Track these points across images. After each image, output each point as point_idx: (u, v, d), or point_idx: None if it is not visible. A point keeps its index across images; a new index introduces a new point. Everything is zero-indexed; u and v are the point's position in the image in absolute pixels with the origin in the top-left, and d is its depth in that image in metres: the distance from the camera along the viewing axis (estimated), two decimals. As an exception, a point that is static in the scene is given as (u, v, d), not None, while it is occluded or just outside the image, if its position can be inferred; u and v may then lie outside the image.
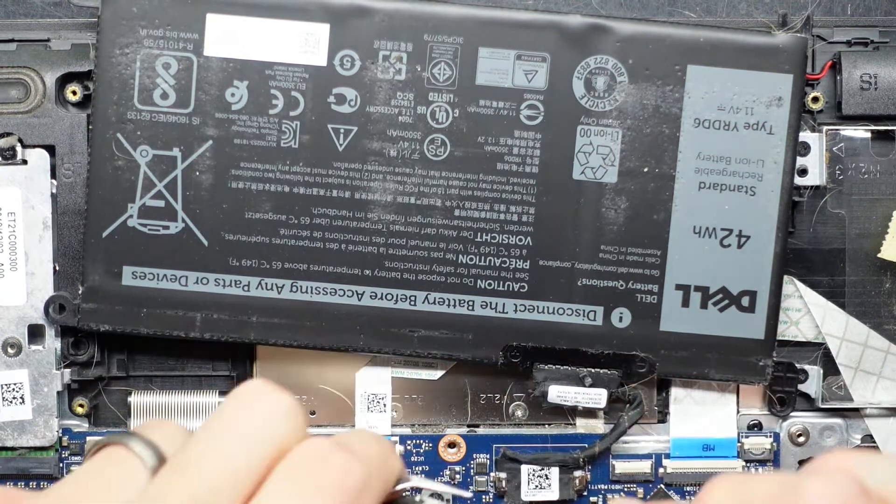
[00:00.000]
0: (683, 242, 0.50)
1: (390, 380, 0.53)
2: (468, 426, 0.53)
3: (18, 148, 0.51)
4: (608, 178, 0.50)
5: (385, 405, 0.53)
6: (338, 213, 0.50)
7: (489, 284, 0.50)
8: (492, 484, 0.53)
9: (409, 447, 0.53)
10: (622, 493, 0.53)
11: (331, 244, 0.50)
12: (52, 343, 0.51)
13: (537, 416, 0.53)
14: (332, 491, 0.30)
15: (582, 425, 0.53)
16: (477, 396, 0.53)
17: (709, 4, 0.55)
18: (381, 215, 0.50)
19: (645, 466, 0.53)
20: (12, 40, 0.51)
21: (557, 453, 0.52)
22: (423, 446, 0.53)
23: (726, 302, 0.50)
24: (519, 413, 0.53)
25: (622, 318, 0.51)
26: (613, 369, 0.51)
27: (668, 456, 0.53)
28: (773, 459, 0.53)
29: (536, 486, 0.52)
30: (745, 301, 0.50)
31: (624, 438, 0.52)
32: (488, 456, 0.53)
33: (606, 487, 0.53)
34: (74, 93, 0.51)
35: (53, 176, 0.51)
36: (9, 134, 0.51)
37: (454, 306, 0.50)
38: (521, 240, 0.50)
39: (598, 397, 0.51)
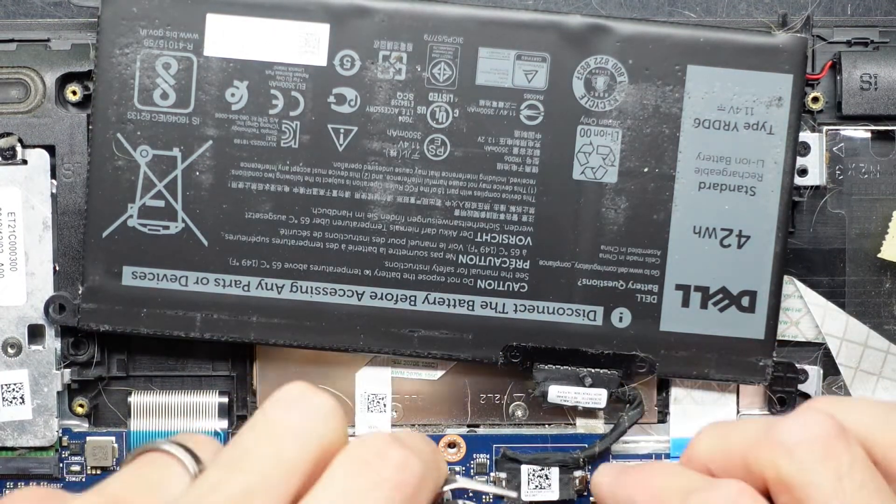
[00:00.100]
0: (683, 242, 0.50)
1: (390, 380, 0.53)
2: (468, 426, 0.53)
3: (18, 148, 0.51)
4: (608, 178, 0.50)
5: (385, 405, 0.53)
6: (338, 213, 0.50)
7: (489, 284, 0.50)
8: (491, 483, 0.53)
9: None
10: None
11: (331, 244, 0.50)
12: (52, 343, 0.51)
13: (537, 416, 0.53)
14: (391, 485, 0.30)
15: (582, 425, 0.53)
16: (477, 396, 0.53)
17: (709, 4, 0.55)
18: (381, 215, 0.50)
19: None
20: (12, 40, 0.51)
21: (557, 453, 0.52)
22: (423, 446, 0.53)
23: (726, 302, 0.50)
24: (519, 413, 0.53)
25: (622, 318, 0.51)
26: (613, 369, 0.51)
27: (668, 456, 0.53)
28: (773, 459, 0.53)
29: (536, 486, 0.52)
30: (745, 301, 0.50)
31: (624, 438, 0.52)
32: (488, 456, 0.53)
33: (606, 487, 0.53)
34: (74, 93, 0.51)
35: (53, 176, 0.51)
36: (9, 134, 0.51)
37: (454, 306, 0.50)
38: (521, 240, 0.50)
39: (598, 397, 0.51)
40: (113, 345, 0.52)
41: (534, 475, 0.52)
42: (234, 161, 0.50)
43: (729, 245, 0.50)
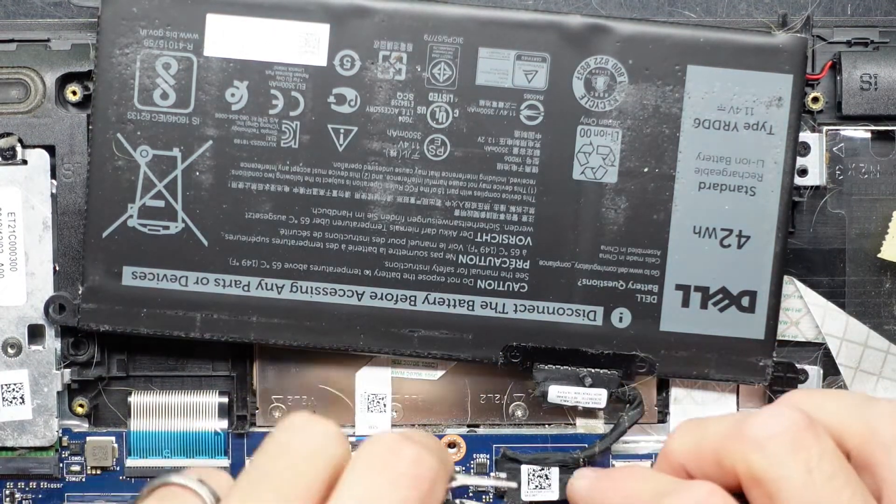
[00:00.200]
0: (683, 242, 0.50)
1: (390, 380, 0.53)
2: (468, 426, 0.53)
3: (18, 148, 0.51)
4: (608, 178, 0.50)
5: (385, 405, 0.53)
6: (338, 213, 0.50)
7: (489, 284, 0.50)
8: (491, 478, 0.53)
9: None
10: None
11: (331, 244, 0.50)
12: (52, 343, 0.51)
13: (537, 416, 0.53)
14: (409, 480, 0.31)
15: (582, 425, 0.53)
16: (477, 396, 0.53)
17: (709, 4, 0.55)
18: (381, 215, 0.50)
19: (645, 466, 0.53)
20: (12, 40, 0.51)
21: (557, 453, 0.52)
22: (423, 446, 0.53)
23: (726, 302, 0.50)
24: (519, 413, 0.53)
25: (622, 318, 0.51)
26: (613, 369, 0.51)
27: (668, 456, 0.53)
28: (773, 459, 0.53)
29: (536, 486, 0.52)
30: (745, 301, 0.50)
31: (624, 438, 0.52)
32: (488, 456, 0.53)
33: (606, 487, 0.53)
34: (74, 93, 0.51)
35: (53, 176, 0.51)
36: (9, 134, 0.51)
37: (454, 306, 0.50)
38: (521, 240, 0.50)
39: (598, 397, 0.51)
40: (113, 345, 0.52)
41: (534, 475, 0.52)
42: (234, 161, 0.50)
43: (729, 245, 0.50)
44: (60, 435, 0.52)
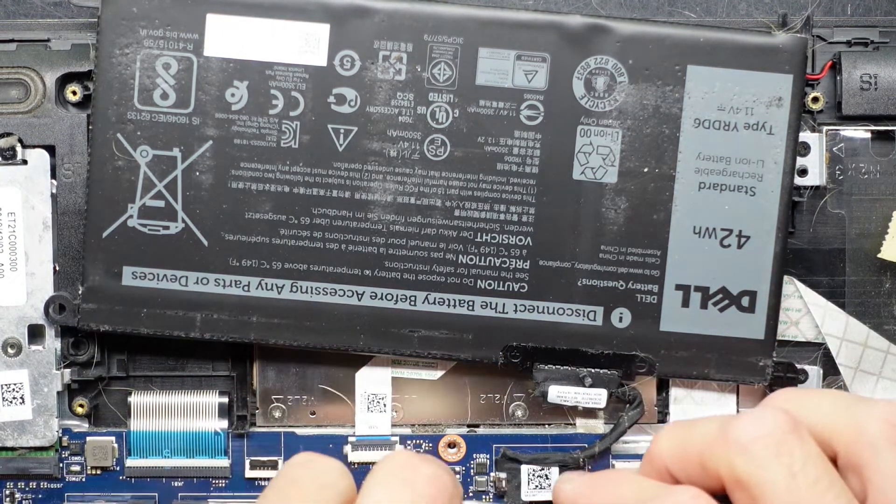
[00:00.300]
0: (683, 242, 0.50)
1: (390, 380, 0.53)
2: (468, 426, 0.53)
3: (18, 148, 0.51)
4: (608, 178, 0.50)
5: (385, 405, 0.53)
6: (338, 213, 0.50)
7: (489, 284, 0.50)
8: (492, 484, 0.53)
9: (409, 447, 0.53)
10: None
11: (331, 244, 0.50)
12: (52, 343, 0.51)
13: (537, 416, 0.53)
14: (430, 497, 0.31)
15: (582, 425, 0.53)
16: (477, 396, 0.53)
17: (709, 4, 0.56)
18: (381, 215, 0.50)
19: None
20: (12, 40, 0.51)
21: (557, 453, 0.52)
22: (423, 446, 0.53)
23: (726, 302, 0.50)
24: (519, 413, 0.53)
25: (622, 318, 0.51)
26: (613, 369, 0.51)
27: (668, 456, 0.53)
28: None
29: (536, 486, 0.52)
30: (745, 301, 0.50)
31: (624, 438, 0.52)
32: (488, 456, 0.53)
33: (606, 487, 0.53)
34: (74, 93, 0.51)
35: (53, 176, 0.51)
36: (9, 134, 0.51)
37: (454, 306, 0.50)
38: (521, 240, 0.50)
39: (598, 397, 0.51)
40: (113, 345, 0.52)
41: (534, 475, 0.52)
42: (234, 161, 0.50)
43: (729, 245, 0.50)
44: (60, 435, 0.52)
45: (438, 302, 0.50)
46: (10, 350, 0.51)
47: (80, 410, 0.52)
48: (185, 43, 0.49)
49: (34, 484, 0.52)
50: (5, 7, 0.55)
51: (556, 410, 0.53)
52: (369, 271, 0.50)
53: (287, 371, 0.53)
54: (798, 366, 0.52)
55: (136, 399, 0.52)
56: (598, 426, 0.53)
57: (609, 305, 0.50)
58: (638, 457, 0.53)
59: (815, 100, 0.52)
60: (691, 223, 0.50)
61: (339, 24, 0.49)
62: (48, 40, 0.52)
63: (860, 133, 0.52)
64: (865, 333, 0.52)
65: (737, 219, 0.50)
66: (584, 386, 0.51)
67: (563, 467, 0.52)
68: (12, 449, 0.52)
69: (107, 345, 0.52)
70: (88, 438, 0.52)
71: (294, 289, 0.50)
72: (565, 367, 0.51)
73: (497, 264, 0.50)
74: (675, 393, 0.53)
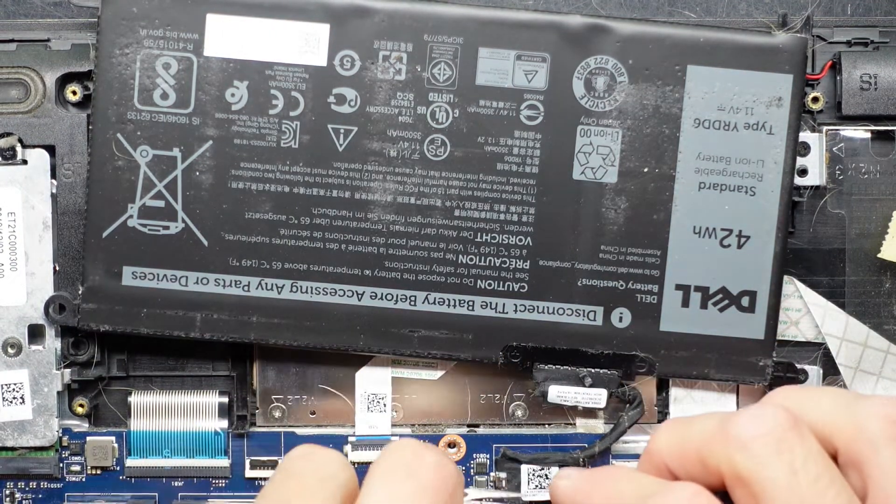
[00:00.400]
0: (683, 242, 0.50)
1: (390, 380, 0.53)
2: (468, 426, 0.53)
3: (18, 148, 0.51)
4: (608, 178, 0.50)
5: (385, 405, 0.53)
6: (338, 213, 0.50)
7: (489, 284, 0.50)
8: (492, 484, 0.53)
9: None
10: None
11: (331, 244, 0.50)
12: (52, 343, 0.51)
13: (537, 416, 0.53)
14: (433, 487, 0.31)
15: (582, 425, 0.53)
16: (477, 396, 0.53)
17: (709, 4, 0.55)
18: (381, 215, 0.50)
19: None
20: (12, 40, 0.51)
21: (557, 453, 0.52)
22: (423, 446, 0.53)
23: (726, 302, 0.50)
24: (519, 413, 0.53)
25: (622, 318, 0.51)
26: (613, 369, 0.51)
27: (668, 456, 0.53)
28: (773, 459, 0.53)
29: (536, 486, 0.52)
30: (745, 301, 0.50)
31: (624, 438, 0.52)
32: (488, 456, 0.53)
33: (606, 487, 0.53)
34: (74, 93, 0.51)
35: (53, 176, 0.51)
36: (9, 134, 0.51)
37: (454, 306, 0.50)
38: (521, 240, 0.50)
39: (598, 397, 0.51)
40: (113, 345, 0.52)
41: (534, 475, 0.52)
42: (234, 161, 0.50)
43: (729, 245, 0.50)
44: (60, 435, 0.52)
45: (438, 302, 0.50)
46: (10, 350, 0.51)
47: (80, 410, 0.52)
48: (185, 43, 0.49)
49: (34, 484, 0.52)
50: (5, 7, 0.55)
51: (556, 410, 0.53)
52: (369, 271, 0.50)
53: (287, 371, 0.53)
54: (798, 366, 0.52)
55: (136, 399, 0.52)
56: (598, 426, 0.53)
57: (609, 305, 0.50)
58: (638, 457, 0.53)
59: (815, 100, 0.52)
60: (691, 223, 0.50)
61: (339, 24, 0.49)
62: (48, 40, 0.52)
63: (860, 133, 0.52)
64: (865, 333, 0.52)
65: (737, 219, 0.50)
66: (584, 386, 0.51)
67: (563, 467, 0.52)
68: (12, 449, 0.52)
69: (107, 345, 0.52)
70: (88, 438, 0.52)
71: (294, 289, 0.50)
72: (565, 367, 0.51)
73: (497, 264, 0.50)
74: (675, 393, 0.53)
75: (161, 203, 0.50)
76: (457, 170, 0.50)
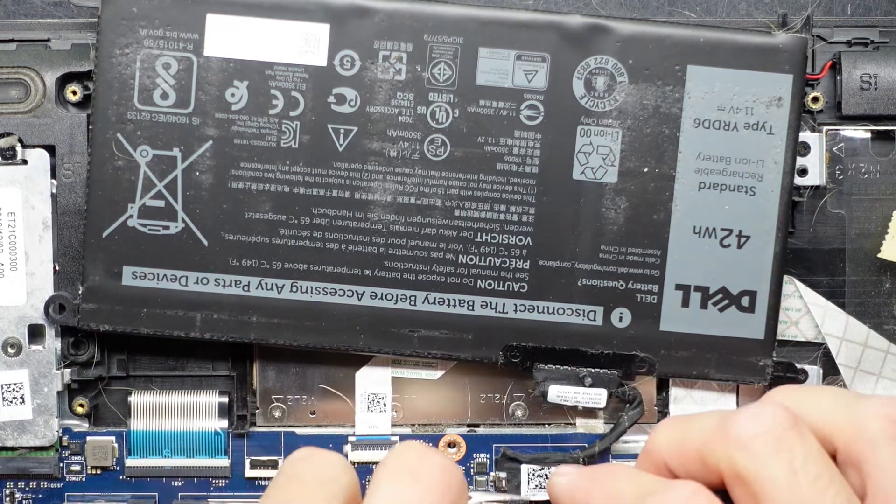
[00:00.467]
0: (683, 242, 0.50)
1: (390, 380, 0.53)
2: (468, 426, 0.53)
3: (18, 148, 0.51)
4: (608, 178, 0.50)
5: (385, 405, 0.53)
6: (338, 213, 0.50)
7: (489, 284, 0.50)
8: (492, 484, 0.53)
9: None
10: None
11: (331, 244, 0.50)
12: (52, 343, 0.51)
13: (537, 416, 0.53)
14: (440, 489, 0.31)
15: (582, 425, 0.53)
16: (477, 396, 0.53)
17: (709, 4, 0.55)
18: (381, 215, 0.50)
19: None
20: (12, 40, 0.51)
21: (557, 453, 0.52)
22: (423, 446, 0.53)
23: (726, 302, 0.50)
24: (519, 413, 0.53)
25: (622, 318, 0.51)
26: (613, 369, 0.51)
27: (668, 456, 0.53)
28: (772, 459, 0.53)
29: (536, 486, 0.52)
30: (745, 301, 0.50)
31: (624, 438, 0.52)
32: (488, 456, 0.53)
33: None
34: (74, 93, 0.51)
35: (53, 176, 0.51)
36: (9, 134, 0.51)
37: (454, 306, 0.50)
38: (521, 240, 0.50)
39: (598, 397, 0.51)
40: (113, 345, 0.52)
41: (534, 475, 0.52)
42: (234, 161, 0.50)
43: (729, 245, 0.50)
44: (60, 435, 0.52)
45: (438, 302, 0.50)
46: (10, 350, 0.51)
47: (80, 410, 0.52)
48: (185, 43, 0.49)
49: (34, 484, 0.52)
50: (5, 7, 0.55)
51: (556, 410, 0.53)
52: (369, 271, 0.50)
53: (287, 371, 0.53)
54: (798, 366, 0.52)
55: (136, 399, 0.52)
56: (598, 426, 0.53)
57: (609, 305, 0.50)
58: (638, 456, 0.53)
59: (815, 100, 0.52)
60: (691, 223, 0.50)
61: (339, 24, 0.49)
62: (48, 40, 0.52)
63: (860, 133, 0.52)
64: (865, 333, 0.52)
65: (737, 219, 0.50)
66: (584, 386, 0.51)
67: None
68: (12, 449, 0.52)
69: (107, 345, 0.52)
70: (88, 438, 0.52)
71: (294, 289, 0.50)
72: (565, 367, 0.51)
73: (497, 264, 0.50)
74: (675, 393, 0.53)
75: (161, 203, 0.50)
76: (457, 170, 0.50)
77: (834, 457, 0.35)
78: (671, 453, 0.37)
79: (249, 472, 0.53)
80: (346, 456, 0.52)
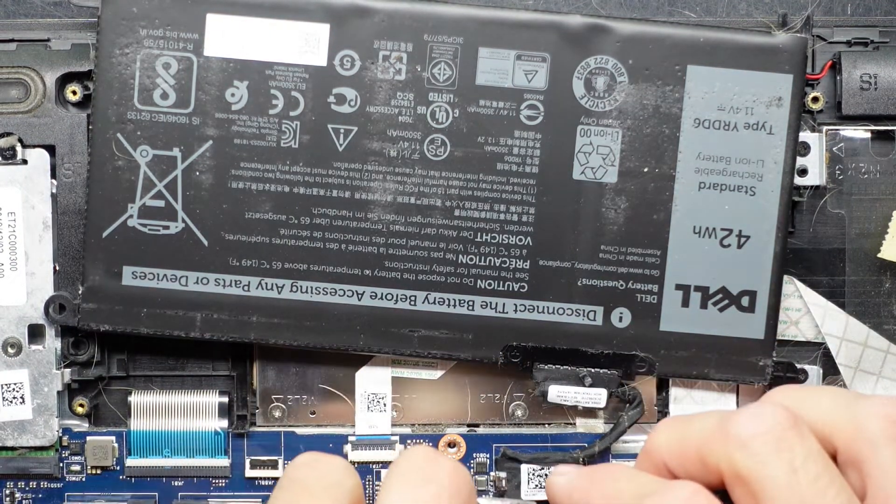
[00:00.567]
0: (683, 242, 0.50)
1: (390, 380, 0.53)
2: (468, 426, 0.53)
3: (18, 148, 0.51)
4: (608, 178, 0.50)
5: (385, 405, 0.53)
6: (338, 213, 0.50)
7: (489, 284, 0.50)
8: (492, 483, 0.53)
9: (409, 447, 0.53)
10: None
11: (331, 244, 0.50)
12: (52, 343, 0.51)
13: (537, 415, 0.53)
14: (450, 492, 0.31)
15: (582, 425, 0.53)
16: (477, 396, 0.53)
17: (709, 4, 0.55)
18: (381, 215, 0.50)
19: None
20: (12, 40, 0.51)
21: (557, 453, 0.52)
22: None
23: (726, 302, 0.50)
24: (519, 413, 0.53)
25: (622, 318, 0.51)
26: (613, 369, 0.51)
27: (667, 456, 0.53)
28: (772, 459, 0.53)
29: (536, 486, 0.52)
30: (745, 301, 0.50)
31: (624, 438, 0.52)
32: (488, 455, 0.53)
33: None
34: (74, 93, 0.51)
35: (53, 176, 0.51)
36: (9, 134, 0.51)
37: (454, 306, 0.50)
38: (521, 240, 0.50)
39: (598, 397, 0.51)
40: (113, 345, 0.52)
41: (534, 475, 0.52)
42: (234, 161, 0.50)
43: (729, 245, 0.50)
44: (60, 435, 0.52)
45: (438, 302, 0.50)
46: (10, 350, 0.51)
47: (80, 410, 0.52)
48: (185, 43, 0.49)
49: (34, 484, 0.52)
50: (5, 7, 0.55)
51: (556, 410, 0.53)
52: (369, 271, 0.50)
53: (287, 371, 0.53)
54: (798, 365, 0.52)
55: (136, 399, 0.52)
56: (598, 426, 0.53)
57: (609, 305, 0.50)
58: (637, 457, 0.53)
59: (815, 100, 0.52)
60: (691, 223, 0.50)
61: (339, 24, 0.49)
62: (48, 40, 0.52)
63: (860, 133, 0.52)
64: (865, 333, 0.52)
65: (737, 219, 0.50)
66: (584, 386, 0.51)
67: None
68: (12, 449, 0.52)
69: (107, 345, 0.52)
70: (88, 438, 0.52)
71: (294, 289, 0.50)
72: (565, 367, 0.51)
73: (497, 264, 0.50)
74: (675, 392, 0.53)
75: (161, 203, 0.50)
76: (457, 170, 0.50)
77: (834, 457, 0.35)
78: (671, 453, 0.37)
79: (249, 472, 0.53)
80: (345, 456, 0.52)
